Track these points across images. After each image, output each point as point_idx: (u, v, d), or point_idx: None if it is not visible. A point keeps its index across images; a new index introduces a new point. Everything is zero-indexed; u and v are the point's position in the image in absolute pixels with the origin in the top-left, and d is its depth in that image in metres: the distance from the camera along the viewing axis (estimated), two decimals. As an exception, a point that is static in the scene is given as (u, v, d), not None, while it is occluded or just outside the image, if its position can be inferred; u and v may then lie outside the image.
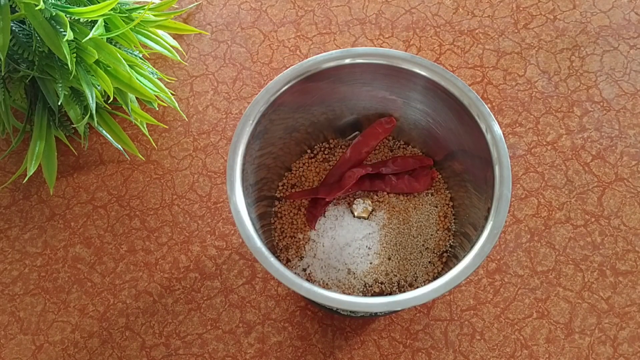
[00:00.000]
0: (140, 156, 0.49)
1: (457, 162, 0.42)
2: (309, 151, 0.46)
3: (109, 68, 0.43)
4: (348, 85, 0.40)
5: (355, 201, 0.43)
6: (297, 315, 0.44)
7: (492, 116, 0.35)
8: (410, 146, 0.46)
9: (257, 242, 0.33)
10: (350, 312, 0.41)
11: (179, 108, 0.49)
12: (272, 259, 0.33)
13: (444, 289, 0.31)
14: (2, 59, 0.38)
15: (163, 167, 0.49)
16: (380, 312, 0.39)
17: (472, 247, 0.33)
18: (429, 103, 0.40)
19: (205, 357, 0.43)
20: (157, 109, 0.50)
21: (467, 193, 0.41)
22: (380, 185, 0.44)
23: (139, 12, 0.44)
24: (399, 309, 0.32)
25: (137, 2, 0.47)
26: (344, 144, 0.47)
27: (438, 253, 0.43)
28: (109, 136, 0.47)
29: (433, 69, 0.37)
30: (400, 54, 0.38)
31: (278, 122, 0.39)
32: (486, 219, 0.34)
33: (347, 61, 0.38)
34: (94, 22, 0.40)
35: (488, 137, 0.35)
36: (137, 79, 0.44)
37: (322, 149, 0.46)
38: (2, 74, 0.42)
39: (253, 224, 0.34)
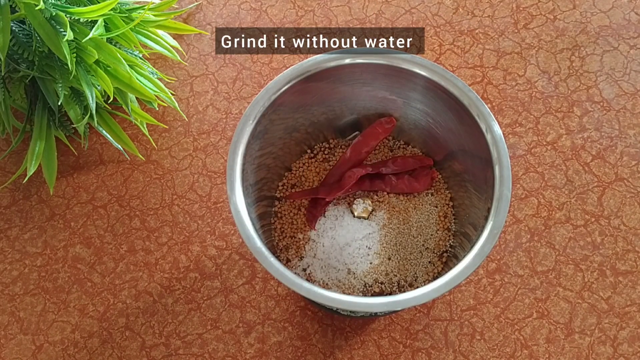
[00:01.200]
0: (140, 156, 0.49)
1: (457, 162, 0.42)
2: (309, 151, 0.46)
3: (109, 68, 0.43)
4: (348, 85, 0.40)
5: (355, 201, 0.43)
6: (297, 315, 0.44)
7: (492, 116, 0.35)
8: (410, 146, 0.46)
9: (257, 242, 0.33)
10: (350, 312, 0.41)
11: (179, 108, 0.49)
12: (272, 259, 0.33)
13: (444, 289, 0.31)
14: (2, 59, 0.38)
15: (163, 167, 0.49)
16: (380, 312, 0.39)
17: (472, 247, 0.33)
18: (429, 103, 0.40)
19: (205, 357, 0.43)
20: (157, 109, 0.50)
21: (467, 193, 0.41)
22: (380, 185, 0.44)
23: (139, 12, 0.44)
24: (399, 309, 0.32)
25: (137, 2, 0.47)
26: (344, 144, 0.47)
27: (438, 253, 0.43)
28: (109, 136, 0.47)
29: (433, 68, 0.37)
30: (400, 54, 0.38)
31: (278, 122, 0.39)
32: (486, 219, 0.34)
33: (347, 61, 0.38)
34: (94, 22, 0.40)
35: (488, 137, 0.35)
36: (137, 79, 0.44)
37: (322, 149, 0.46)
38: (2, 74, 0.42)
39: (253, 224, 0.34)
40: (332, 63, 0.38)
